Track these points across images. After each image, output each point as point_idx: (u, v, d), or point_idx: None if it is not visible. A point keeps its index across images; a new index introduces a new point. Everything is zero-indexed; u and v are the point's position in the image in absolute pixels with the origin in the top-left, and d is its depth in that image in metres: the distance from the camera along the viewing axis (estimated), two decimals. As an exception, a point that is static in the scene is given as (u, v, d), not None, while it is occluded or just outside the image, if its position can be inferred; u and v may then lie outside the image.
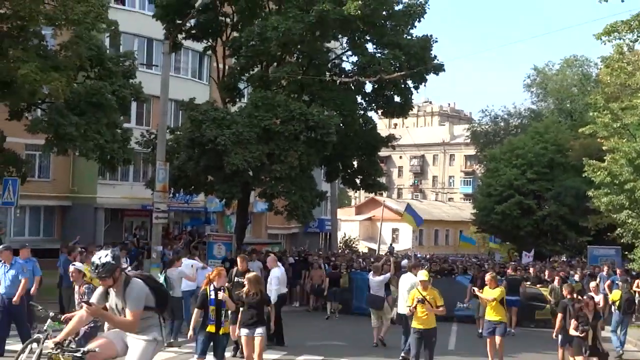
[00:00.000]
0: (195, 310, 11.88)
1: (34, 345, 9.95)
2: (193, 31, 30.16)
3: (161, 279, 15.37)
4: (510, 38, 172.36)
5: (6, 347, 12.92)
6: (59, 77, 20.39)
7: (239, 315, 12.40)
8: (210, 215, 41.74)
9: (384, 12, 28.40)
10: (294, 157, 25.25)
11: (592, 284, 17.97)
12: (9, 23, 21.21)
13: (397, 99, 30.79)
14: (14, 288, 12.78)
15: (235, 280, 14.91)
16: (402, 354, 15.01)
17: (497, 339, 14.69)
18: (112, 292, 7.54)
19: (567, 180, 41.49)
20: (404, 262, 26.15)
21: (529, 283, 23.22)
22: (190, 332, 11.71)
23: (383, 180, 35.42)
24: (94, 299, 7.64)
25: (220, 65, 30.61)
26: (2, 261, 13.00)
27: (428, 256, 49.41)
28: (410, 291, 13.84)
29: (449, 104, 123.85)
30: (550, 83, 60.35)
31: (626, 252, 30.20)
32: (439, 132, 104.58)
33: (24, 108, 24.06)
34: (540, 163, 43.47)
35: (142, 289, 7.54)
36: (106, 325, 8.22)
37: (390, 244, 56.73)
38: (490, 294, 14.94)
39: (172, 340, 15.29)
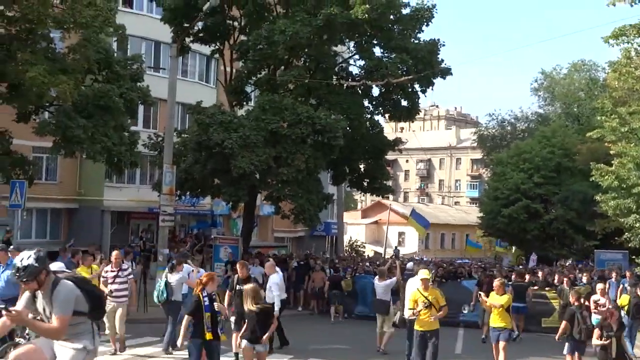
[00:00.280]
0: (186, 317, 11.40)
1: None
2: (200, 34, 30.21)
3: (162, 284, 15.27)
4: (518, 42, 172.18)
5: None
6: (67, 80, 20.44)
7: (243, 327, 11.92)
8: (216, 218, 41.73)
9: (392, 16, 28.40)
10: (301, 160, 25.25)
11: (599, 286, 17.79)
12: (18, 26, 21.29)
13: (404, 102, 30.81)
14: (7, 290, 12.63)
15: (236, 288, 14.63)
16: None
17: (501, 344, 14.46)
18: (39, 295, 6.90)
19: (574, 185, 41.38)
20: (409, 264, 26.04)
21: (536, 287, 23.00)
22: (180, 342, 11.26)
23: (390, 183, 35.36)
24: (19, 304, 7.01)
25: (228, 69, 30.66)
26: None
27: (431, 259, 49.22)
28: (411, 293, 13.55)
29: (456, 108, 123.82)
30: (557, 87, 60.21)
31: (633, 257, 30.06)
32: (446, 136, 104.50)
33: (31, 110, 24.12)
34: (548, 167, 43.37)
35: (71, 292, 6.86)
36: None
37: (396, 247, 56.63)
38: (497, 300, 14.64)
39: (169, 348, 15.00)
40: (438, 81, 30.16)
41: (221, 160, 25.15)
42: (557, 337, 14.67)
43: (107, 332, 14.61)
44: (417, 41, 29.61)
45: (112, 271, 15.05)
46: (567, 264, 41.17)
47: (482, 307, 18.35)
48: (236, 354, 13.95)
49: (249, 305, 11.47)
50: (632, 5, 19.31)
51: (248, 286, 12.03)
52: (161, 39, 36.05)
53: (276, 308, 14.42)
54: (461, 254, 68.14)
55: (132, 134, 26.72)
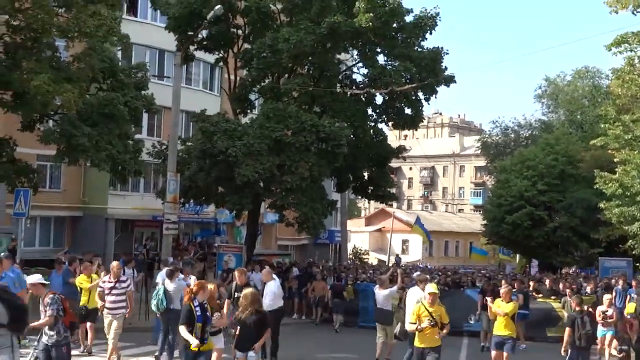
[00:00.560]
0: (182, 327, 11.03)
1: None
2: (205, 43, 30.25)
3: (161, 292, 14.88)
4: (521, 49, 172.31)
5: None
6: (72, 89, 20.49)
7: (236, 336, 11.63)
8: (220, 226, 41.78)
9: (395, 25, 28.45)
10: (305, 168, 25.27)
11: (607, 296, 17.63)
12: (23, 35, 21.38)
13: (407, 110, 30.80)
14: None
15: (235, 295, 14.33)
16: None
17: (505, 354, 14.12)
18: None
19: (578, 192, 41.29)
20: (416, 274, 25.68)
21: (541, 295, 22.88)
22: (195, 343, 10.70)
23: (393, 191, 35.36)
24: None
25: (232, 77, 30.73)
26: None
27: (434, 266, 49.14)
28: (415, 307, 12.88)
29: (459, 115, 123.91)
30: (561, 94, 60.23)
31: (637, 264, 30.04)
32: (449, 144, 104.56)
33: (36, 119, 24.19)
34: (551, 174, 43.27)
35: None
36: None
37: (397, 255, 56.43)
38: (503, 307, 14.33)
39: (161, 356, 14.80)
40: (441, 89, 30.18)
41: (225, 168, 25.19)
42: (562, 351, 14.28)
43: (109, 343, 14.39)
44: (420, 49, 29.63)
45: (109, 282, 14.66)
46: (571, 271, 41.14)
47: (485, 313, 18.18)
48: None
49: (241, 312, 11.27)
50: (634, 14, 19.38)
51: (248, 289, 11.81)
52: (165, 47, 36.16)
53: None
54: (465, 262, 68.10)
55: (137, 142, 26.77)
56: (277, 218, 31.07)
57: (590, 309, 15.83)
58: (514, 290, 19.04)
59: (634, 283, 22.27)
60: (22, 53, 21.51)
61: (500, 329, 14.30)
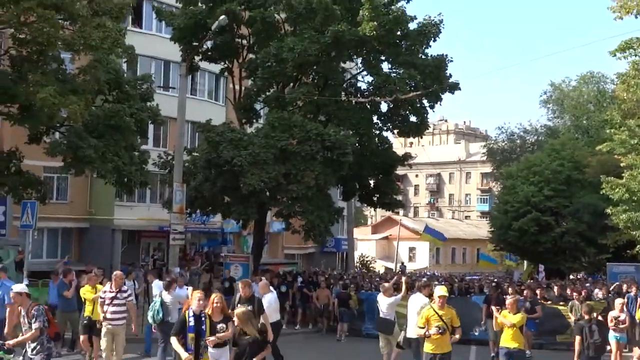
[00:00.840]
0: (173, 338, 10.59)
1: None
2: (209, 53, 30.35)
3: (157, 303, 14.74)
4: (527, 55, 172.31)
5: None
6: (78, 101, 20.58)
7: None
8: (227, 235, 41.76)
9: (399, 32, 28.45)
10: (311, 177, 25.29)
11: (618, 301, 17.30)
12: (29, 48, 21.51)
13: (412, 118, 30.80)
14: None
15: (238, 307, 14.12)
16: None
17: None
18: None
19: (584, 197, 41.24)
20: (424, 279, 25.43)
21: (549, 302, 22.65)
22: (185, 356, 10.23)
23: (399, 198, 35.32)
24: None
25: (237, 87, 30.78)
26: None
27: (440, 274, 48.96)
28: (424, 310, 12.46)
29: (465, 122, 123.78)
30: (566, 99, 60.19)
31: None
32: (455, 150, 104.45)
33: (42, 131, 24.29)
34: (557, 180, 43.23)
35: None
36: None
37: (402, 263, 56.20)
38: (509, 319, 13.50)
39: None
40: (446, 96, 30.26)
41: (231, 177, 25.23)
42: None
43: (103, 355, 14.19)
44: (424, 57, 29.66)
45: (110, 292, 14.23)
46: (579, 277, 40.96)
47: (491, 322, 17.62)
48: None
49: (239, 331, 10.65)
50: (637, 17, 19.35)
51: (239, 309, 11.08)
52: (170, 58, 36.29)
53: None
54: (472, 269, 67.96)
55: (142, 154, 26.86)
56: (283, 227, 31.06)
57: (599, 316, 15.61)
58: (521, 298, 18.79)
59: None
60: (28, 66, 21.65)
61: (508, 340, 13.49)
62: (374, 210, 76.30)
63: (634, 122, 25.24)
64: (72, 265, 26.99)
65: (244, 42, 30.04)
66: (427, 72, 28.73)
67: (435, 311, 11.90)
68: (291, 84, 29.33)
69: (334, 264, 52.46)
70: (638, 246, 27.53)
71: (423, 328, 11.98)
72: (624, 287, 23.94)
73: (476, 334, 21.36)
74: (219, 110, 40.39)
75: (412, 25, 28.93)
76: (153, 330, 14.92)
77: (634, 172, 24.75)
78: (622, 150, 26.32)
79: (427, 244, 71.19)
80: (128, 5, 24.30)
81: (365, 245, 74.51)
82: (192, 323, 10.51)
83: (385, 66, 30.33)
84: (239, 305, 13.13)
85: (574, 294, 21.87)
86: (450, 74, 29.82)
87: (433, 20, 28.87)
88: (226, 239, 41.67)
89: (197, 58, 29.73)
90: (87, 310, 15.26)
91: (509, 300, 14.10)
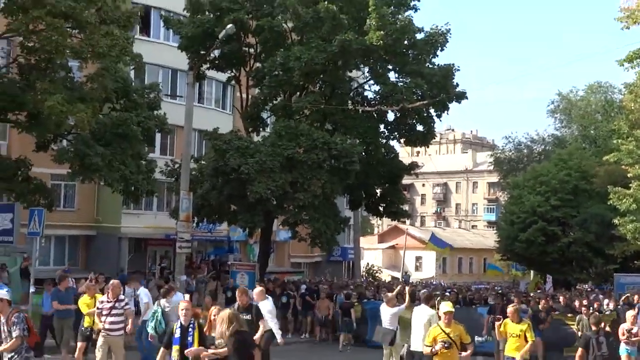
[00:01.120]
0: (162, 349, 10.35)
1: None
2: (217, 62, 30.45)
3: (159, 313, 14.40)
4: (534, 64, 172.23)
5: None
6: (85, 109, 20.64)
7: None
8: (233, 244, 41.74)
9: (406, 42, 28.52)
10: (317, 185, 25.31)
11: (630, 313, 17.06)
12: (37, 56, 21.62)
13: (419, 127, 30.83)
14: None
15: None
16: None
17: None
18: None
19: (592, 207, 41.12)
20: (422, 291, 24.89)
21: (557, 313, 22.43)
22: None
23: (406, 207, 35.30)
24: None
25: (244, 95, 30.87)
26: None
27: (445, 283, 48.70)
28: (431, 328, 12.00)
29: (472, 131, 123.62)
30: (574, 109, 60.05)
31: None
32: (462, 160, 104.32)
33: (50, 139, 24.37)
34: (565, 190, 43.11)
35: None
36: None
37: (406, 273, 56.02)
38: (512, 329, 13.24)
39: None
40: (453, 105, 30.21)
41: (237, 185, 25.27)
42: None
43: None
44: (431, 66, 29.71)
45: (108, 302, 13.81)
46: (588, 287, 40.82)
47: (494, 335, 17.26)
48: None
49: (220, 335, 9.45)
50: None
51: (224, 312, 9.78)
52: (178, 67, 36.35)
53: (278, 335, 13.94)
54: (479, 278, 67.78)
55: (149, 163, 26.91)
56: (290, 235, 31.06)
57: (608, 327, 15.36)
58: (524, 307, 18.45)
59: None
60: (36, 74, 21.74)
61: (512, 350, 13.30)
62: (381, 219, 76.34)
63: (641, 132, 25.21)
64: (79, 273, 27.10)
65: (251, 50, 30.14)
66: (434, 82, 28.76)
67: (442, 329, 11.43)
68: (298, 93, 29.40)
69: (341, 273, 52.36)
70: (645, 257, 27.43)
71: (430, 347, 11.52)
72: (635, 297, 23.69)
73: (479, 340, 20.99)
74: (226, 118, 40.43)
75: (419, 36, 29.02)
76: (150, 339, 14.61)
77: (641, 182, 24.70)
78: (630, 160, 26.26)
79: (434, 254, 71.12)
80: (136, 14, 24.41)
81: (372, 254, 74.37)
82: (177, 335, 10.22)
83: (392, 75, 30.44)
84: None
85: (583, 308, 21.57)
86: (457, 83, 29.94)
87: (440, 29, 28.95)
88: (233, 247, 41.65)
89: (204, 66, 29.84)
90: (87, 321, 14.98)
91: (510, 309, 13.72)
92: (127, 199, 31.61)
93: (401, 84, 29.37)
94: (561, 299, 24.46)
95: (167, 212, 32.65)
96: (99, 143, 23.45)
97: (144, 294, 17.06)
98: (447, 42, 29.07)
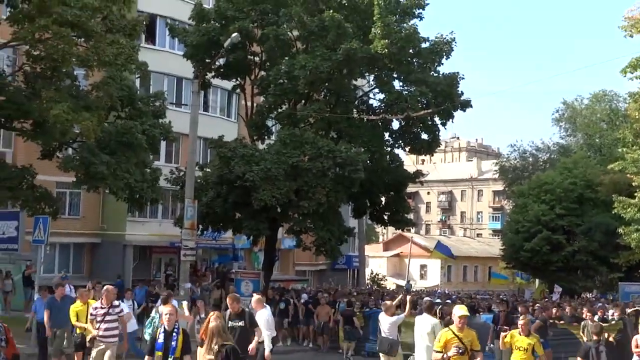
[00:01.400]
0: (146, 357, 10.07)
1: None
2: (222, 70, 30.49)
3: (157, 321, 14.16)
4: (539, 73, 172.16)
5: None
6: (90, 117, 20.72)
7: None
8: (238, 252, 41.79)
9: (411, 50, 28.54)
10: (322, 193, 25.32)
11: None
12: (43, 64, 21.71)
13: (424, 135, 30.81)
14: None
15: (229, 325, 12.90)
16: None
17: None
18: None
19: (597, 216, 41.06)
20: (424, 299, 24.69)
21: (562, 322, 22.28)
22: None
23: (411, 216, 35.25)
24: None
25: (249, 103, 30.93)
26: None
27: (450, 292, 48.51)
28: (441, 332, 11.41)
29: (477, 140, 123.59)
30: (579, 118, 60.08)
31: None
32: (467, 168, 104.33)
33: (55, 147, 24.45)
34: (569, 198, 43.05)
35: None
36: None
37: (408, 281, 55.72)
38: (520, 342, 12.59)
39: None
40: (458, 113, 30.19)
41: (242, 193, 25.31)
42: None
43: None
44: (436, 74, 29.73)
45: (102, 308, 13.43)
46: (592, 296, 40.70)
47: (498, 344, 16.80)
48: None
49: (206, 351, 9.26)
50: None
51: (212, 323, 9.52)
52: (183, 75, 36.49)
53: (267, 348, 13.51)
54: (484, 286, 67.63)
55: (154, 171, 26.99)
56: (295, 243, 31.06)
57: (611, 338, 15.10)
58: (532, 318, 18.17)
59: None
60: (41, 82, 21.84)
61: None
62: (385, 228, 76.27)
63: (646, 141, 25.20)
64: (83, 281, 27.11)
65: (256, 59, 30.20)
66: (439, 90, 28.75)
67: (455, 333, 10.84)
68: (303, 101, 29.44)
69: (345, 281, 52.34)
70: (650, 266, 27.37)
71: (440, 352, 10.85)
72: (640, 306, 23.46)
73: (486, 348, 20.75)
74: (231, 126, 40.52)
75: (424, 44, 29.03)
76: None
77: (646, 191, 24.67)
78: (635, 169, 26.25)
79: (439, 262, 71.05)
80: (141, 23, 24.50)
81: (377, 262, 74.32)
82: (160, 340, 10.01)
83: (397, 84, 30.40)
84: (229, 322, 12.57)
85: (588, 314, 21.47)
86: (462, 91, 29.90)
87: (445, 38, 28.96)
88: (237, 255, 41.71)
89: (209, 75, 29.89)
90: (79, 329, 14.59)
91: (520, 321, 13.11)
92: (132, 207, 31.70)
93: (406, 92, 29.36)
94: (567, 308, 24.26)
95: (172, 220, 32.67)
96: (104, 151, 23.54)
97: (124, 305, 16.32)
98: (452, 50, 29.07)
